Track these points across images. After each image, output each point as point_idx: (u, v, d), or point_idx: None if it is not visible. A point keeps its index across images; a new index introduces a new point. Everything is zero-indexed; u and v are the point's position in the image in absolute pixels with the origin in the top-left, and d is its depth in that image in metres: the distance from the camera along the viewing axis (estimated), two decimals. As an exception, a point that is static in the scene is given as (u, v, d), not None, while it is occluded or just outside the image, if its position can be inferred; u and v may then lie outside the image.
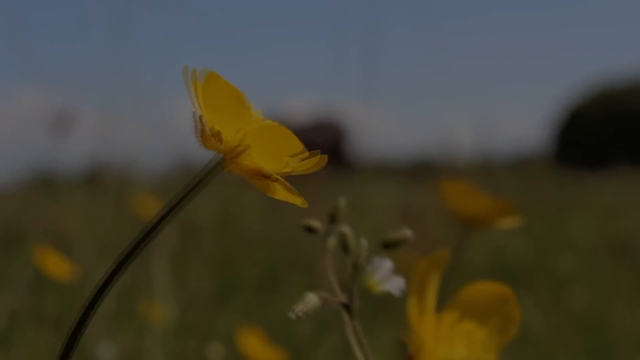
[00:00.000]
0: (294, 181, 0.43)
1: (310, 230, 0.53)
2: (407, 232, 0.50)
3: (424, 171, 5.14)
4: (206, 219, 2.83)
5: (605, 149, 8.32)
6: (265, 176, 0.42)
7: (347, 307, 0.50)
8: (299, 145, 0.42)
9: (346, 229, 0.51)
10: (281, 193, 0.43)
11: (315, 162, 0.43)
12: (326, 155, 0.43)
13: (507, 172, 5.50)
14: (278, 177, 0.42)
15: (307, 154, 0.42)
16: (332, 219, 0.53)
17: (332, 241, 0.52)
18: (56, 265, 1.26)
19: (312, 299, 0.49)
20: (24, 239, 2.25)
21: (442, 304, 0.44)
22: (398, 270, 0.54)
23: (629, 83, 11.97)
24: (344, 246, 0.51)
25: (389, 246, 0.50)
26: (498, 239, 2.64)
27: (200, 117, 0.42)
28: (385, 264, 0.54)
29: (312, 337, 1.47)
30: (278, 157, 0.42)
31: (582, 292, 1.99)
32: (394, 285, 0.54)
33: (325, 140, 8.19)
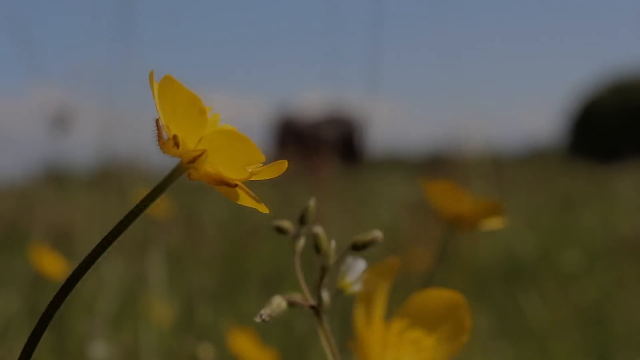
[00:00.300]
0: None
1: (280, 231, 0.52)
2: (377, 234, 0.49)
3: (436, 165, 5.12)
4: (215, 215, 2.83)
5: (619, 142, 8.26)
6: (224, 182, 0.42)
7: (316, 309, 0.49)
8: (256, 151, 0.41)
9: (318, 230, 0.50)
10: (244, 199, 0.43)
11: (276, 167, 0.43)
12: (286, 161, 0.42)
13: (520, 165, 5.47)
14: (238, 182, 0.42)
15: (264, 158, 0.42)
16: (303, 220, 0.51)
17: (302, 242, 0.51)
18: (53, 264, 1.26)
19: (278, 303, 0.48)
20: (28, 235, 2.25)
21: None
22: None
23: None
24: (316, 247, 0.50)
25: (358, 248, 0.49)
26: (507, 233, 2.63)
27: (157, 121, 0.41)
28: (358, 265, 0.52)
29: (311, 332, 1.46)
30: (236, 162, 0.41)
31: (589, 287, 1.98)
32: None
33: (337, 134, 8.17)
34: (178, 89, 0.40)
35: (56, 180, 3.85)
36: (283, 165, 0.42)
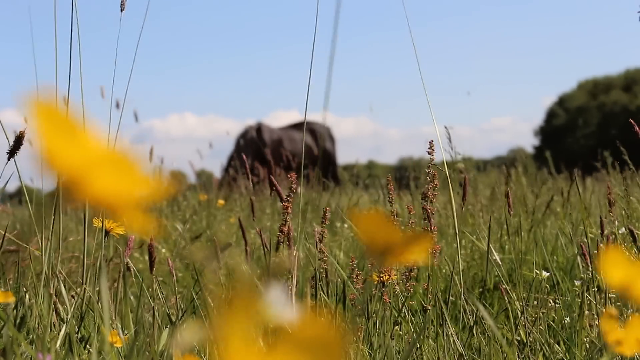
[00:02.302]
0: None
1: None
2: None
3: (407, 178, 5.11)
4: (176, 233, 2.80)
5: (594, 151, 8.31)
6: (110, 205, 0.40)
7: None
8: (138, 173, 0.39)
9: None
10: (133, 221, 0.41)
11: (160, 189, 0.42)
12: (169, 184, 0.41)
13: (493, 174, 5.48)
14: (124, 204, 0.40)
15: (149, 180, 0.40)
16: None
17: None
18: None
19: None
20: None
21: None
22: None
23: (620, 86, 12.02)
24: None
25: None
26: (478, 245, 2.61)
27: (42, 145, 0.40)
28: (279, 294, 0.50)
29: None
30: (122, 184, 0.40)
31: (558, 299, 1.95)
32: (290, 315, 0.50)
33: (309, 150, 8.15)
34: (57, 112, 0.38)
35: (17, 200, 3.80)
36: (167, 188, 0.41)
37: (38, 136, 0.39)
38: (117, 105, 2.60)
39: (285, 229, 1.65)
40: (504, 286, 1.89)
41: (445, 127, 2.57)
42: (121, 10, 1.62)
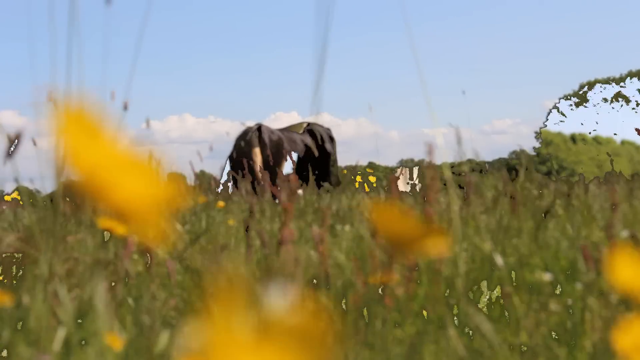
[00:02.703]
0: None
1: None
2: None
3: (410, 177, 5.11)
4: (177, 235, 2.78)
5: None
6: (128, 212, 0.39)
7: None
8: (156, 178, 0.39)
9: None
10: (147, 231, 0.40)
11: (175, 195, 0.40)
12: (177, 189, 0.40)
13: (495, 177, 5.46)
14: (143, 212, 0.39)
15: (166, 185, 0.39)
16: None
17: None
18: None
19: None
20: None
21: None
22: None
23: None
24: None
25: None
26: (478, 246, 2.59)
27: (63, 148, 0.39)
28: (280, 293, 0.49)
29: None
30: (137, 189, 0.39)
31: (560, 303, 1.94)
32: (288, 314, 0.49)
33: (311, 152, 8.13)
34: (80, 115, 0.38)
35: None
36: (174, 192, 0.40)
37: (59, 136, 0.38)
38: (125, 107, 2.60)
39: (285, 230, 1.64)
40: (505, 289, 1.88)
41: (455, 127, 2.55)
42: None
